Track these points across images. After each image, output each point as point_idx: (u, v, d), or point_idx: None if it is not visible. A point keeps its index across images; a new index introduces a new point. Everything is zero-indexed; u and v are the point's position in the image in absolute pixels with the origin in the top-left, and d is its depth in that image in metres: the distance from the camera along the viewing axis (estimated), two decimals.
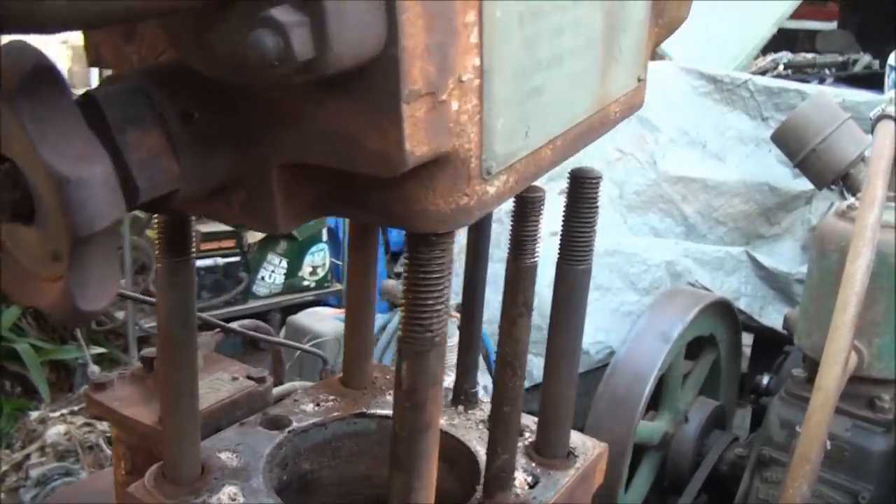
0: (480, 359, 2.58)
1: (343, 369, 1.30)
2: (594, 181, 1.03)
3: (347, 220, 1.69)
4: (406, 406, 0.80)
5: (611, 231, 3.22)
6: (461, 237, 1.65)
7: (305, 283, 4.37)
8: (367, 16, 0.58)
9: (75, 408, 3.46)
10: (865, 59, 3.98)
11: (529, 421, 1.19)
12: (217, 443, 1.13)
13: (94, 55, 0.85)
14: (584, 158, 3.23)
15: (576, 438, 1.18)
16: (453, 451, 1.17)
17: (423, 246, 0.75)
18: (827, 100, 2.94)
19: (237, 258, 4.11)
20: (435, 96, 0.64)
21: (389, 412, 1.17)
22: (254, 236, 4.14)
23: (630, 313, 3.04)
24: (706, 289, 3.22)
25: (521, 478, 1.09)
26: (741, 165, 3.37)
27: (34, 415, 3.59)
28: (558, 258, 1.06)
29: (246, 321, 1.52)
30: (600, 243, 3.14)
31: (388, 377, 1.32)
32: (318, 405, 1.24)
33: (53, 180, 0.55)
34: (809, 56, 3.99)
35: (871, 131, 2.44)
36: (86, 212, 0.59)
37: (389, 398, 1.27)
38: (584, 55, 0.85)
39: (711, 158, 3.37)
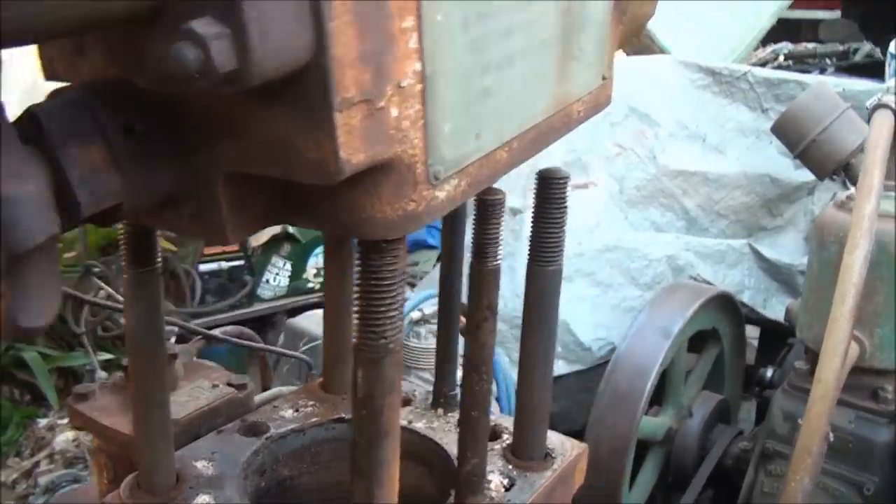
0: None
1: (323, 374, 1.29)
2: (561, 181, 1.02)
3: None
4: (363, 414, 0.79)
5: (611, 227, 3.19)
6: None
7: (310, 284, 4.37)
8: (292, 25, 0.57)
9: None
10: (866, 47, 3.95)
11: (509, 423, 1.19)
12: (193, 451, 1.13)
13: (49, 69, 0.85)
14: (584, 155, 3.21)
15: (554, 439, 1.17)
16: (431, 454, 1.17)
17: (374, 253, 0.75)
18: (826, 90, 2.91)
19: (241, 262, 4.12)
20: (371, 103, 0.64)
21: None
22: (257, 239, 4.14)
23: (631, 309, 3.02)
24: (708, 283, 3.20)
25: (497, 480, 1.09)
26: (742, 158, 3.34)
27: (42, 422, 3.61)
28: (528, 260, 1.05)
29: (229, 327, 1.52)
30: (600, 239, 3.13)
31: None
32: (297, 411, 1.24)
33: None
34: (810, 46, 3.96)
35: (868, 121, 2.42)
36: (19, 229, 0.59)
37: None
38: (539, 55, 0.85)
39: (712, 151, 3.35)
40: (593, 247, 3.08)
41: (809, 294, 2.56)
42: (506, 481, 1.09)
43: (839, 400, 2.26)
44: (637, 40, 4.40)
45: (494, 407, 2.58)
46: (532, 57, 0.84)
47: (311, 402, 1.25)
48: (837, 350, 2.10)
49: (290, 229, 4.16)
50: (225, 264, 4.08)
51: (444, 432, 1.19)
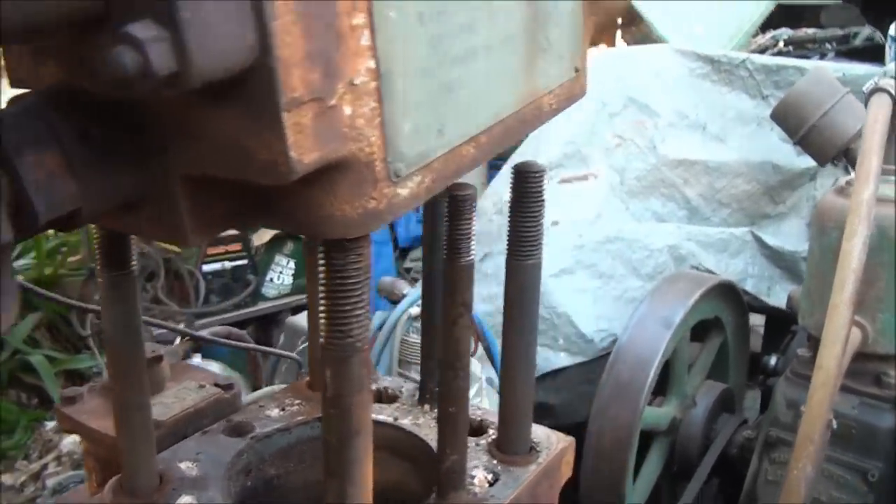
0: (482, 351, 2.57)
1: (309, 372, 1.29)
2: (538, 175, 1.01)
3: None
4: (332, 413, 0.79)
5: (612, 218, 3.18)
6: None
7: None
8: (234, 26, 0.57)
9: None
10: (866, 31, 3.92)
11: (496, 417, 1.18)
12: (177, 452, 1.13)
13: (14, 76, 0.85)
14: (584, 147, 3.20)
15: (540, 433, 1.17)
16: (417, 450, 1.17)
17: (337, 252, 0.74)
18: (825, 74, 2.89)
19: (245, 261, 4.13)
20: (322, 102, 0.63)
21: None
22: (260, 238, 4.15)
23: (633, 300, 3.01)
24: (710, 272, 3.18)
25: (481, 475, 1.09)
26: (743, 145, 3.32)
27: (50, 425, 3.63)
28: (507, 255, 1.05)
29: (217, 328, 1.52)
30: (601, 231, 3.12)
31: None
32: (283, 410, 1.24)
33: None
34: (810, 31, 3.93)
35: (865, 105, 2.40)
36: None
37: None
38: (504, 49, 0.84)
39: (712, 140, 3.33)
40: (594, 238, 3.08)
41: (811, 281, 2.55)
42: (490, 476, 1.09)
43: (843, 386, 2.25)
44: (637, 30, 4.38)
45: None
46: (497, 51, 0.83)
47: (297, 401, 1.25)
48: (838, 337, 2.09)
49: None
50: (228, 264, 4.09)
51: (430, 428, 1.19)
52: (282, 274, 4.27)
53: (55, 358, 3.93)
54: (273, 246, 4.24)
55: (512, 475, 1.09)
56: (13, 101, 0.72)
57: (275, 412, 1.23)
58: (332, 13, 0.62)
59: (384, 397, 1.28)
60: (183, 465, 1.10)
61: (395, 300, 2.54)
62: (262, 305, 4.17)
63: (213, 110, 0.63)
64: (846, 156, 2.88)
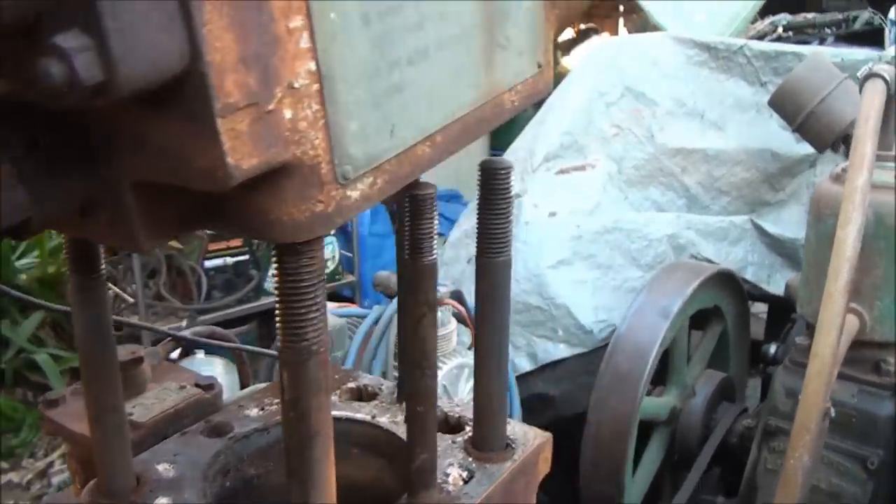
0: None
1: None
2: (504, 172, 1.01)
3: None
4: (291, 416, 0.79)
5: (611, 208, 3.17)
6: None
7: None
8: (163, 33, 0.57)
9: None
10: (866, 15, 3.88)
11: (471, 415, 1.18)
12: (155, 454, 1.13)
13: None
14: (581, 137, 3.18)
15: (518, 430, 1.17)
16: (394, 448, 1.17)
17: (289, 255, 0.74)
18: (822, 60, 2.87)
19: (246, 256, 4.14)
20: (259, 107, 0.63)
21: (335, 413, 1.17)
22: None
23: (633, 290, 3.00)
24: (709, 261, 3.17)
25: (455, 473, 1.09)
26: (742, 133, 3.30)
27: None
28: (477, 253, 1.05)
29: (200, 328, 1.53)
30: (599, 221, 3.11)
31: (336, 377, 1.32)
32: (262, 409, 1.24)
33: None
34: (809, 16, 3.90)
35: (860, 91, 2.38)
36: None
37: (336, 399, 1.27)
38: (458, 47, 0.84)
39: (711, 128, 3.31)
40: (592, 229, 3.06)
41: (808, 269, 2.54)
42: (465, 474, 1.09)
43: (841, 374, 2.25)
44: (639, 17, 4.35)
45: None
46: (450, 48, 0.83)
47: (276, 401, 1.25)
48: (833, 325, 2.08)
49: None
50: (230, 259, 4.10)
51: None
52: None
53: (60, 356, 3.95)
54: None
55: (486, 472, 1.09)
56: None
57: (254, 412, 1.23)
58: (267, 17, 0.62)
59: (364, 395, 1.28)
60: (160, 467, 1.10)
61: (391, 294, 2.54)
62: (264, 300, 4.19)
63: (153, 117, 0.63)
64: (844, 142, 2.86)
